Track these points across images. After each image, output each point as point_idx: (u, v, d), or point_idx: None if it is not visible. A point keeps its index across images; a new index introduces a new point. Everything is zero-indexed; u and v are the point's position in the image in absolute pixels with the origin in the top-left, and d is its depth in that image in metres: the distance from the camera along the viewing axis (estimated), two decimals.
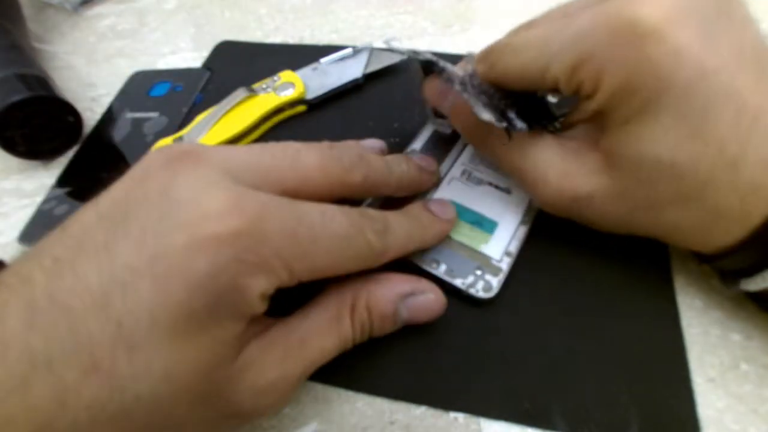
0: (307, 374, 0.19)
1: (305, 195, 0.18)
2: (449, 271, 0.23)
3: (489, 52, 0.22)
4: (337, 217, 0.18)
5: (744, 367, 0.22)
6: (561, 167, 0.21)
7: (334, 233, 0.18)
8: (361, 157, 0.21)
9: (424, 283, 0.22)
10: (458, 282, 0.23)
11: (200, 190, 0.16)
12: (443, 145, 0.28)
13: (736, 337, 0.22)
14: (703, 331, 0.23)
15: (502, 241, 0.24)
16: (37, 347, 0.14)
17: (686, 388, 0.21)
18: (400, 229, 0.21)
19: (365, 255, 0.19)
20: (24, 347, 0.14)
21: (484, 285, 0.23)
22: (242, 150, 0.19)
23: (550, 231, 0.25)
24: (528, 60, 0.21)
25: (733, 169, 0.17)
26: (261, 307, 0.17)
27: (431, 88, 0.25)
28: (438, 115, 0.28)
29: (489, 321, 0.23)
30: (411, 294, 0.21)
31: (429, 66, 0.23)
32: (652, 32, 0.17)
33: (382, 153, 0.25)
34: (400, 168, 0.23)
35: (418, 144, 0.28)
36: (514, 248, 0.24)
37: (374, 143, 0.26)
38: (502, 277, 0.23)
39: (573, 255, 0.25)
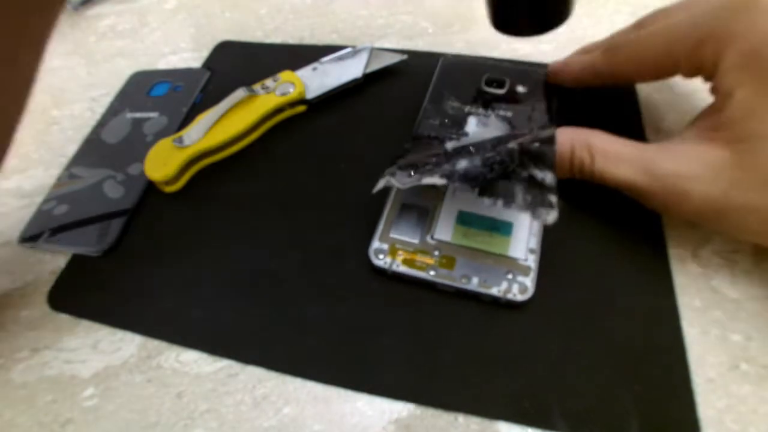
0: None
1: None
2: (482, 283, 0.23)
3: (614, 46, 0.25)
4: None
5: (744, 367, 0.22)
6: (699, 172, 0.20)
7: None
8: None
9: None
10: (494, 291, 0.23)
11: None
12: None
13: (736, 337, 0.22)
14: (703, 331, 0.23)
15: (522, 240, 0.24)
16: None
17: (686, 388, 0.21)
18: None
19: None
20: None
21: (520, 287, 0.23)
22: None
23: (548, 233, 0.25)
24: (654, 48, 0.22)
25: None
26: None
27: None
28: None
29: (488, 321, 0.23)
30: None
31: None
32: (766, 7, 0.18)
33: None
34: None
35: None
36: (534, 244, 0.24)
37: None
38: (533, 275, 0.23)
39: (571, 256, 0.25)
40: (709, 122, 0.20)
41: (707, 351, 0.22)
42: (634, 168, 0.22)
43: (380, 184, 0.23)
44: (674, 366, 0.22)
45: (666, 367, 0.22)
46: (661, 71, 0.23)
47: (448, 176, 0.22)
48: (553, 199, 0.21)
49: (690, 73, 0.21)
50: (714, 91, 0.21)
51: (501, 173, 0.22)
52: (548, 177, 0.22)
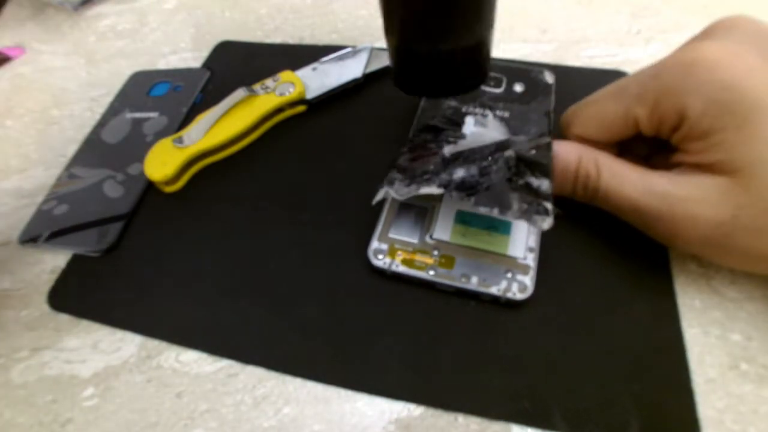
0: None
1: None
2: (482, 282, 0.23)
3: (568, 112, 0.25)
4: None
5: (744, 367, 0.22)
6: (698, 196, 0.21)
7: None
8: None
9: None
10: (494, 290, 0.23)
11: None
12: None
13: (736, 337, 0.22)
14: (703, 331, 0.23)
15: (521, 239, 0.24)
16: None
17: (686, 388, 0.21)
18: None
19: None
20: None
21: (519, 286, 0.23)
22: None
23: (548, 233, 0.25)
24: (607, 108, 0.23)
25: None
26: None
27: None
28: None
29: (488, 321, 0.23)
30: None
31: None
32: (717, 63, 0.20)
33: None
34: None
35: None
36: (533, 243, 0.24)
37: None
38: (532, 274, 0.23)
39: (571, 254, 0.25)
40: (694, 163, 0.21)
41: (707, 351, 0.22)
42: (640, 189, 0.22)
43: (379, 195, 0.24)
44: (674, 366, 0.22)
45: (666, 367, 0.22)
46: (622, 130, 0.23)
47: (445, 185, 0.22)
48: (549, 206, 0.21)
49: (652, 129, 0.22)
50: (685, 139, 0.21)
51: (497, 182, 0.22)
52: (544, 185, 0.22)
